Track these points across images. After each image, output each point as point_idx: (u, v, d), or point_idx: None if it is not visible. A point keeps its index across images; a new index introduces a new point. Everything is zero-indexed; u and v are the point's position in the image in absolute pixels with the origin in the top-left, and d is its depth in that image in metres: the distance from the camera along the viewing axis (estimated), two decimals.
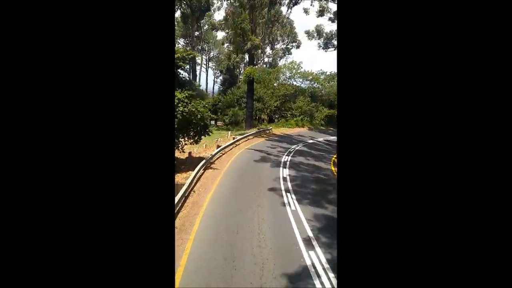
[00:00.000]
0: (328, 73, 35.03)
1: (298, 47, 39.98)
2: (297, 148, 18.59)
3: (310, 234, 6.93)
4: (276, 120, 33.87)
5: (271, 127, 26.85)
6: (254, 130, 24.11)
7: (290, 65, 34.45)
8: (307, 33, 31.32)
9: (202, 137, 14.57)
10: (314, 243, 6.50)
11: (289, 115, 33.02)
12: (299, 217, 7.89)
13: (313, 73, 34.54)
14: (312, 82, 34.94)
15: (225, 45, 44.27)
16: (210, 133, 15.33)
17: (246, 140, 20.21)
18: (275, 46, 42.11)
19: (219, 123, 36.16)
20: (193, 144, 14.84)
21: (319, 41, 31.22)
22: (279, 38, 40.78)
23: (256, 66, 33.61)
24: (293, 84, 34.95)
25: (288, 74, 34.82)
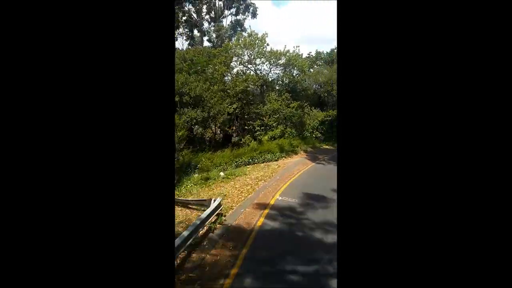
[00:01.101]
0: (313, 54, 21.06)
1: (254, 15, 25.13)
2: None
3: None
4: (232, 141, 18.68)
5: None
6: None
7: (248, 40, 19.56)
8: None
9: None
10: None
11: (258, 128, 17.96)
12: None
13: (289, 52, 20.11)
14: (290, 68, 20.55)
15: None
16: None
17: None
18: (221, 21, 26.91)
19: None
20: None
21: None
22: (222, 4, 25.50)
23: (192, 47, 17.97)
24: (256, 73, 20.10)
25: (246, 56, 19.87)
